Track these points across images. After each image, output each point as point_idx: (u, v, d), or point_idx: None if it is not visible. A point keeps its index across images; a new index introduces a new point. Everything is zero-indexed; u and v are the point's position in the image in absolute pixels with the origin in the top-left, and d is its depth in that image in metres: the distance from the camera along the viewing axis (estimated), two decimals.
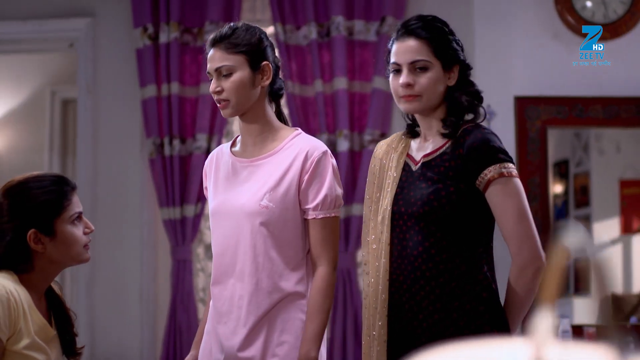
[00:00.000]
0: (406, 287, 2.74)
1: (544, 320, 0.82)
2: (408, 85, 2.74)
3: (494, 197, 2.66)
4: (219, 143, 5.54)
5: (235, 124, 5.76)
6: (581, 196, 5.41)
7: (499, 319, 2.72)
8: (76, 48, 5.89)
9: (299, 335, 2.90)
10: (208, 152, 5.18)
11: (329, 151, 2.98)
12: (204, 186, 3.11)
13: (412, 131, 2.92)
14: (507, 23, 5.22)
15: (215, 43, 2.93)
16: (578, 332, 4.93)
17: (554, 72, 5.08)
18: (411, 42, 2.77)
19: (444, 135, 2.78)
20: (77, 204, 2.65)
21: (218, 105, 2.95)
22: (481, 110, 2.87)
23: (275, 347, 2.89)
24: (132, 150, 5.71)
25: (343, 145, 5.29)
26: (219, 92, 2.90)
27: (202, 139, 5.46)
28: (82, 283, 5.79)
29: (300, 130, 3.05)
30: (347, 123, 5.32)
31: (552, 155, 5.34)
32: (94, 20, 5.78)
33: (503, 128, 5.12)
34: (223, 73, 2.89)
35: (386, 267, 2.77)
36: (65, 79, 7.70)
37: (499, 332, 2.72)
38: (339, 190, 2.95)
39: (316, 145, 2.95)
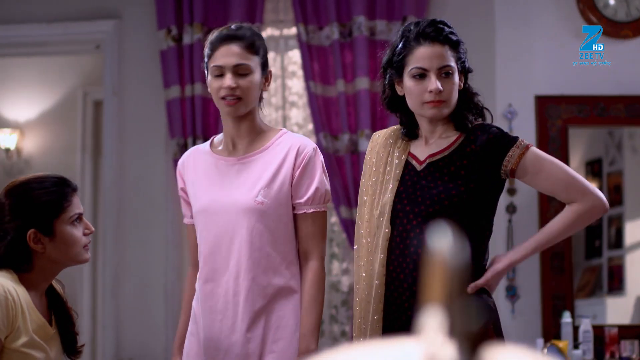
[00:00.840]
0: (407, 286, 2.74)
1: (433, 320, 0.82)
2: (440, 91, 2.74)
3: (533, 166, 2.73)
4: None
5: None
6: (614, 195, 5.37)
7: (496, 319, 2.73)
8: (102, 50, 5.95)
9: (294, 331, 2.92)
10: None
11: (318, 148, 3.03)
12: (179, 187, 3.09)
13: (410, 133, 2.91)
14: (528, 22, 5.19)
15: (233, 39, 2.91)
16: (599, 332, 4.89)
17: (576, 71, 5.04)
18: (438, 48, 2.76)
19: (456, 128, 2.80)
20: (77, 205, 2.68)
21: (224, 101, 2.91)
22: (487, 113, 2.88)
23: (272, 343, 2.91)
24: (157, 151, 5.76)
25: (365, 145, 5.29)
26: (234, 89, 2.88)
27: None
28: (107, 283, 5.85)
29: (285, 129, 3.07)
30: (369, 123, 5.33)
31: (585, 154, 5.32)
32: (120, 22, 5.84)
33: (524, 128, 5.09)
34: (240, 72, 2.89)
35: (383, 262, 2.78)
36: (96, 81, 7.77)
37: (496, 331, 2.72)
38: (328, 186, 2.99)
39: (306, 142, 2.99)
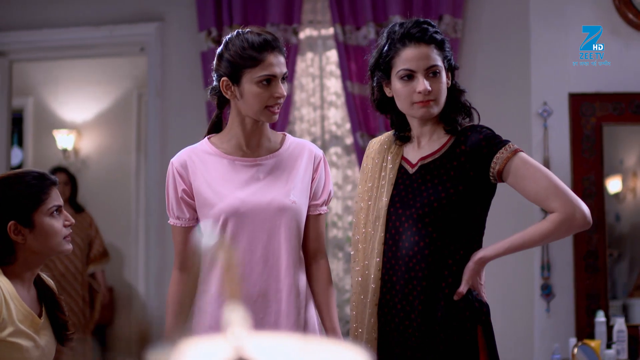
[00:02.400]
0: (399, 288, 2.77)
1: (237, 318, 0.86)
2: (429, 91, 2.75)
3: (518, 171, 2.69)
4: None
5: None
6: None
7: (485, 320, 2.73)
8: (146, 52, 6.07)
9: (316, 330, 3.03)
10: None
11: None
12: (179, 189, 3.00)
13: (401, 137, 2.93)
14: (563, 19, 5.15)
15: (279, 48, 2.94)
16: (634, 331, 4.84)
17: (610, 68, 4.98)
18: (424, 49, 2.76)
19: (446, 131, 2.81)
20: (56, 198, 2.77)
21: (277, 109, 2.93)
22: (474, 113, 2.88)
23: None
24: None
25: None
26: (283, 97, 2.94)
27: None
28: (151, 280, 5.98)
29: (285, 132, 3.16)
30: None
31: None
32: (163, 25, 5.96)
33: (558, 126, 5.06)
34: (283, 78, 2.95)
35: (379, 266, 2.81)
36: None
37: (485, 333, 2.72)
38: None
39: (314, 146, 3.10)
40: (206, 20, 5.75)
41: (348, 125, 5.77)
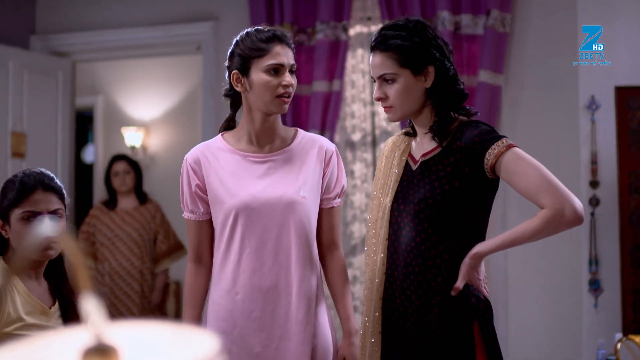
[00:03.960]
0: (399, 282, 2.81)
1: (91, 306, 0.92)
2: (380, 99, 2.84)
3: (510, 166, 2.67)
4: (331, 139, 5.71)
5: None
6: None
7: (482, 316, 2.74)
8: (202, 50, 6.20)
9: (327, 327, 3.10)
10: None
11: None
12: (192, 184, 3.08)
13: (407, 132, 2.99)
14: (611, 13, 5.10)
15: (286, 42, 3.03)
16: None
17: None
18: (377, 58, 2.83)
19: (433, 140, 2.83)
20: (32, 204, 2.80)
21: (287, 98, 3.03)
22: (470, 108, 2.87)
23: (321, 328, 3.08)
24: None
25: None
26: (292, 86, 3.04)
27: None
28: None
29: (298, 128, 3.20)
30: None
31: None
32: (217, 24, 6.07)
33: (605, 119, 5.02)
34: (293, 69, 3.06)
35: (383, 261, 2.86)
36: None
37: (483, 329, 2.73)
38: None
39: (326, 141, 3.15)
40: (258, 19, 5.84)
41: (401, 124, 5.80)
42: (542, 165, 2.70)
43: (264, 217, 3.01)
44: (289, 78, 3.00)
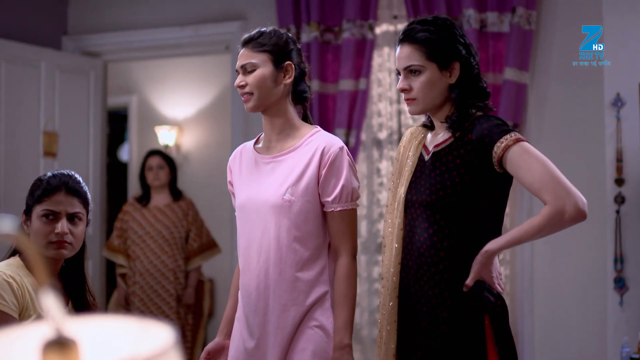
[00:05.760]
0: (413, 272, 2.85)
1: (50, 301, 0.96)
2: (404, 90, 2.88)
3: (516, 160, 2.69)
4: (358, 138, 5.74)
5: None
6: None
7: (494, 311, 2.75)
8: (231, 50, 6.25)
9: (325, 328, 3.04)
10: (347, 146, 5.37)
11: (345, 147, 3.08)
12: (228, 180, 3.24)
13: (425, 125, 3.02)
14: (637, 9, 5.08)
15: (244, 44, 3.12)
16: None
17: None
18: (404, 49, 2.88)
19: (446, 128, 2.86)
20: (54, 204, 2.86)
21: (243, 99, 3.10)
22: (489, 104, 2.89)
23: (305, 339, 3.03)
24: None
25: None
26: (242, 87, 3.06)
27: (340, 134, 5.66)
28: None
29: (319, 128, 3.14)
30: None
31: None
32: (245, 23, 6.12)
33: (631, 117, 5.00)
34: (248, 69, 3.06)
35: (398, 251, 2.90)
36: None
37: (494, 323, 2.74)
38: (356, 184, 3.04)
39: (333, 142, 3.04)
40: (286, 18, 5.89)
41: (424, 119, 5.80)
42: (549, 160, 2.69)
43: (252, 219, 3.08)
44: (237, 80, 3.10)
